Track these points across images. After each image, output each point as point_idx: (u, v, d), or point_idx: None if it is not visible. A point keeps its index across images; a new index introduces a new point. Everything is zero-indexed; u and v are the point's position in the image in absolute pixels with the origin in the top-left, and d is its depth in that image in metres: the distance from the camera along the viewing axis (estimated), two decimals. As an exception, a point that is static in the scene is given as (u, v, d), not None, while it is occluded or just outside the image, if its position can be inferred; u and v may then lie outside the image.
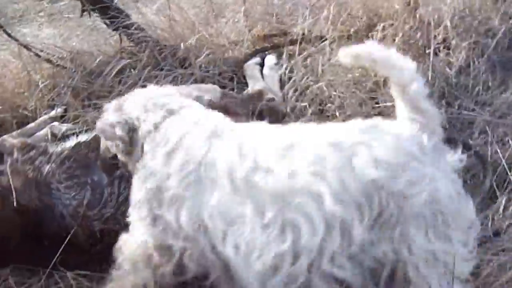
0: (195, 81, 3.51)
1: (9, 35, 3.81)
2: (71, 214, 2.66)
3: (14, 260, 2.78)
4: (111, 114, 2.37)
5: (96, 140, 2.91)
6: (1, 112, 3.48)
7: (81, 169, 2.78)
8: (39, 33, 4.15)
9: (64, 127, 3.41)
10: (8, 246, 2.74)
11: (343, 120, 2.98)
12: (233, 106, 3.07)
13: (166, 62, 3.67)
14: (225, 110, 3.06)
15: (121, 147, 2.31)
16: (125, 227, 2.51)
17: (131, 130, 2.30)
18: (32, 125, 3.46)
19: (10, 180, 2.78)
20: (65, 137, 3.21)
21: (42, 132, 3.38)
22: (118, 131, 2.29)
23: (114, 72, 3.54)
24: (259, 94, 3.29)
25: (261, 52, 3.74)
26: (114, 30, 3.94)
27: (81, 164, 2.80)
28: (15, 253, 2.76)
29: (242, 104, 3.11)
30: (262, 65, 3.64)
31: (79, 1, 4.02)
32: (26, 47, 3.73)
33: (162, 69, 3.64)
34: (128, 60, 3.65)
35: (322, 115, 3.11)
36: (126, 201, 2.58)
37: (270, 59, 3.64)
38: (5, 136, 3.23)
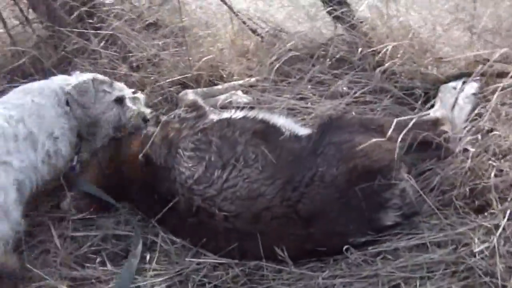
0: (373, 89, 3.33)
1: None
2: (181, 182, 2.78)
3: (129, 201, 3.06)
4: None
5: (243, 122, 2.99)
6: (199, 69, 3.68)
7: (206, 144, 2.88)
8: (251, 4, 4.21)
9: (245, 98, 3.52)
10: (130, 187, 3.01)
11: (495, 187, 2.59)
12: (387, 127, 2.81)
13: (361, 62, 3.49)
14: (381, 131, 2.86)
15: None
16: (221, 211, 2.64)
17: None
18: (219, 86, 3.63)
19: (156, 130, 3.03)
20: (234, 108, 3.27)
21: (223, 96, 3.52)
22: None
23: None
24: (434, 122, 2.96)
25: (467, 77, 3.29)
26: (331, 15, 3.85)
27: (208, 140, 2.89)
28: (134, 195, 3.01)
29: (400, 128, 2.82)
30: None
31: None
32: (235, 13, 3.87)
33: (354, 68, 3.50)
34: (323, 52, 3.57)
35: (480, 168, 2.70)
36: (229, 189, 2.68)
37: (471, 87, 3.19)
38: (188, 90, 3.45)
